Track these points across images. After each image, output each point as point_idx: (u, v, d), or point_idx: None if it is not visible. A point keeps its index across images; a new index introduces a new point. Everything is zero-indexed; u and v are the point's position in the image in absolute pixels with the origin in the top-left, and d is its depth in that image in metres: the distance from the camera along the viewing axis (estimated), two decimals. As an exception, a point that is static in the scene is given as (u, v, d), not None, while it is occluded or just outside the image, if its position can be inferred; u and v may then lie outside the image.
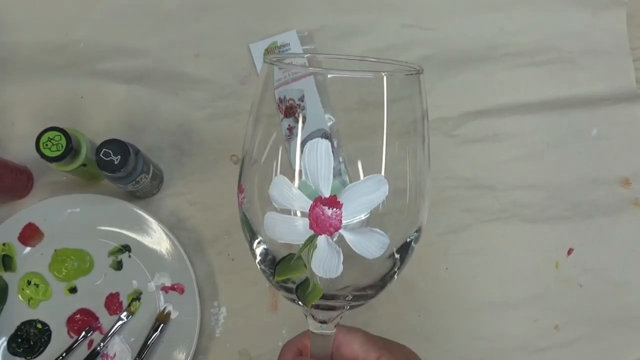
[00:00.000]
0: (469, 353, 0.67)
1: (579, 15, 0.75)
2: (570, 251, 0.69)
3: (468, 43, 0.74)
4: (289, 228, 0.32)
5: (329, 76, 0.30)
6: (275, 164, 0.32)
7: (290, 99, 0.31)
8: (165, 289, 0.63)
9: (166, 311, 0.63)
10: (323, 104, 0.31)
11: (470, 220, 0.69)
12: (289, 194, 0.31)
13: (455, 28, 0.74)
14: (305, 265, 0.32)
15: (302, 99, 0.31)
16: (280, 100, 0.31)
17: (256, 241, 0.35)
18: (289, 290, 0.34)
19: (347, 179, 0.31)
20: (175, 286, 0.63)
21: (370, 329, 0.65)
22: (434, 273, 0.68)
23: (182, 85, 0.70)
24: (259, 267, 0.35)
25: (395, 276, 0.35)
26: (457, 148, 0.71)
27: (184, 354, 0.61)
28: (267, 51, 0.70)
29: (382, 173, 0.31)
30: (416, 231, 0.35)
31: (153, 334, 0.62)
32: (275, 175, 0.32)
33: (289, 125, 0.30)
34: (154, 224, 0.64)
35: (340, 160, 0.31)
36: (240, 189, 0.35)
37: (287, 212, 0.32)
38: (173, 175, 0.68)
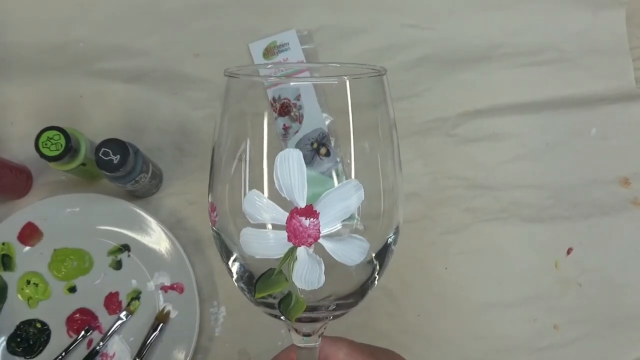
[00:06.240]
0: (469, 353, 0.67)
1: (578, 15, 0.75)
2: (569, 251, 0.69)
3: (468, 43, 0.74)
4: (266, 243, 0.31)
5: (291, 84, 0.29)
6: (244, 177, 0.31)
7: (285, 98, 0.30)
8: (164, 289, 0.63)
9: (165, 310, 0.63)
10: (320, 103, 0.30)
11: (470, 220, 0.69)
12: (263, 208, 0.30)
13: (455, 28, 0.74)
14: (286, 279, 0.31)
15: (298, 97, 0.30)
16: (274, 100, 0.30)
17: (231, 259, 0.34)
18: (269, 305, 0.33)
19: (344, 179, 0.31)
20: (175, 286, 0.63)
21: (369, 329, 0.65)
22: (433, 273, 0.68)
23: (181, 85, 0.70)
24: (236, 284, 0.35)
25: (376, 282, 0.34)
26: (456, 148, 0.71)
27: (184, 353, 0.61)
28: (267, 51, 0.70)
29: (353, 174, 0.30)
30: (394, 232, 0.34)
31: (152, 334, 0.62)
32: (247, 189, 0.31)
33: (284, 124, 0.30)
34: (153, 223, 0.64)
35: (338, 160, 0.31)
36: (212, 207, 0.34)
37: (262, 226, 0.31)
38: (172, 175, 0.68)
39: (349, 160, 0.30)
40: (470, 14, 0.75)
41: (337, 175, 0.31)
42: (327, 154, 0.31)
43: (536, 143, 0.72)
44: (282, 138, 0.30)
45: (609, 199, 0.71)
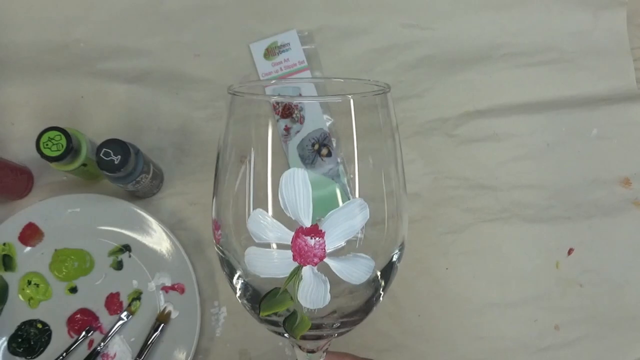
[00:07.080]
0: (469, 353, 0.67)
1: (579, 16, 0.75)
2: (570, 251, 0.69)
3: (468, 43, 0.74)
4: (271, 262, 0.31)
5: (294, 102, 0.29)
6: (249, 196, 0.31)
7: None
8: (165, 289, 0.63)
9: (166, 311, 0.63)
10: (321, 104, 0.30)
11: (470, 220, 0.69)
12: (268, 227, 0.30)
13: (455, 28, 0.74)
14: (291, 298, 0.31)
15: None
16: (277, 102, 0.30)
17: (235, 276, 0.34)
18: (274, 323, 0.33)
19: (345, 180, 0.31)
20: (176, 286, 0.63)
21: (370, 330, 0.65)
22: (434, 273, 0.68)
23: (182, 85, 0.70)
24: (239, 301, 0.35)
25: (381, 298, 0.35)
26: (457, 148, 0.71)
27: (184, 353, 0.61)
28: (268, 51, 0.70)
29: (357, 192, 0.30)
30: (399, 249, 0.34)
31: (153, 334, 0.62)
32: (252, 208, 0.31)
33: (286, 125, 0.30)
34: (154, 223, 0.64)
35: (339, 160, 0.31)
36: (216, 226, 0.34)
37: (267, 245, 0.31)
38: (173, 175, 0.68)
39: (352, 176, 0.30)
40: (471, 14, 0.75)
41: (339, 176, 0.31)
42: (329, 154, 0.31)
43: (537, 143, 0.72)
44: (283, 139, 0.30)
45: (609, 199, 0.71)
